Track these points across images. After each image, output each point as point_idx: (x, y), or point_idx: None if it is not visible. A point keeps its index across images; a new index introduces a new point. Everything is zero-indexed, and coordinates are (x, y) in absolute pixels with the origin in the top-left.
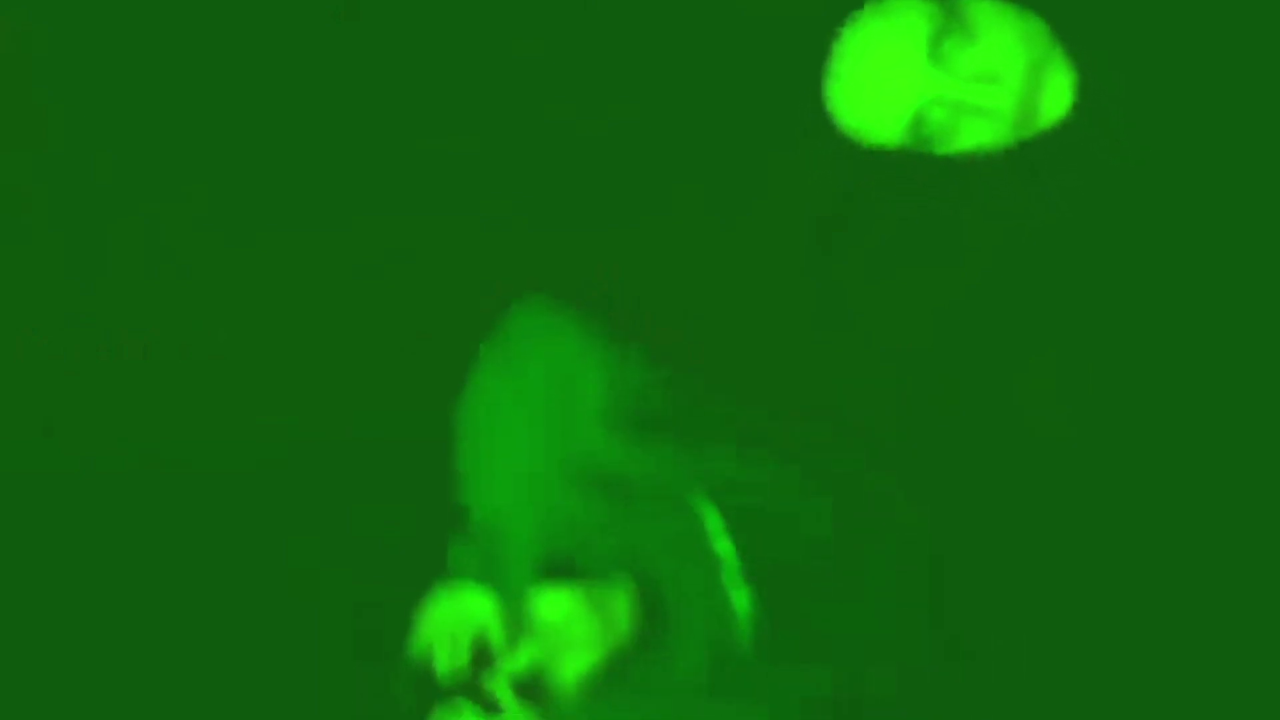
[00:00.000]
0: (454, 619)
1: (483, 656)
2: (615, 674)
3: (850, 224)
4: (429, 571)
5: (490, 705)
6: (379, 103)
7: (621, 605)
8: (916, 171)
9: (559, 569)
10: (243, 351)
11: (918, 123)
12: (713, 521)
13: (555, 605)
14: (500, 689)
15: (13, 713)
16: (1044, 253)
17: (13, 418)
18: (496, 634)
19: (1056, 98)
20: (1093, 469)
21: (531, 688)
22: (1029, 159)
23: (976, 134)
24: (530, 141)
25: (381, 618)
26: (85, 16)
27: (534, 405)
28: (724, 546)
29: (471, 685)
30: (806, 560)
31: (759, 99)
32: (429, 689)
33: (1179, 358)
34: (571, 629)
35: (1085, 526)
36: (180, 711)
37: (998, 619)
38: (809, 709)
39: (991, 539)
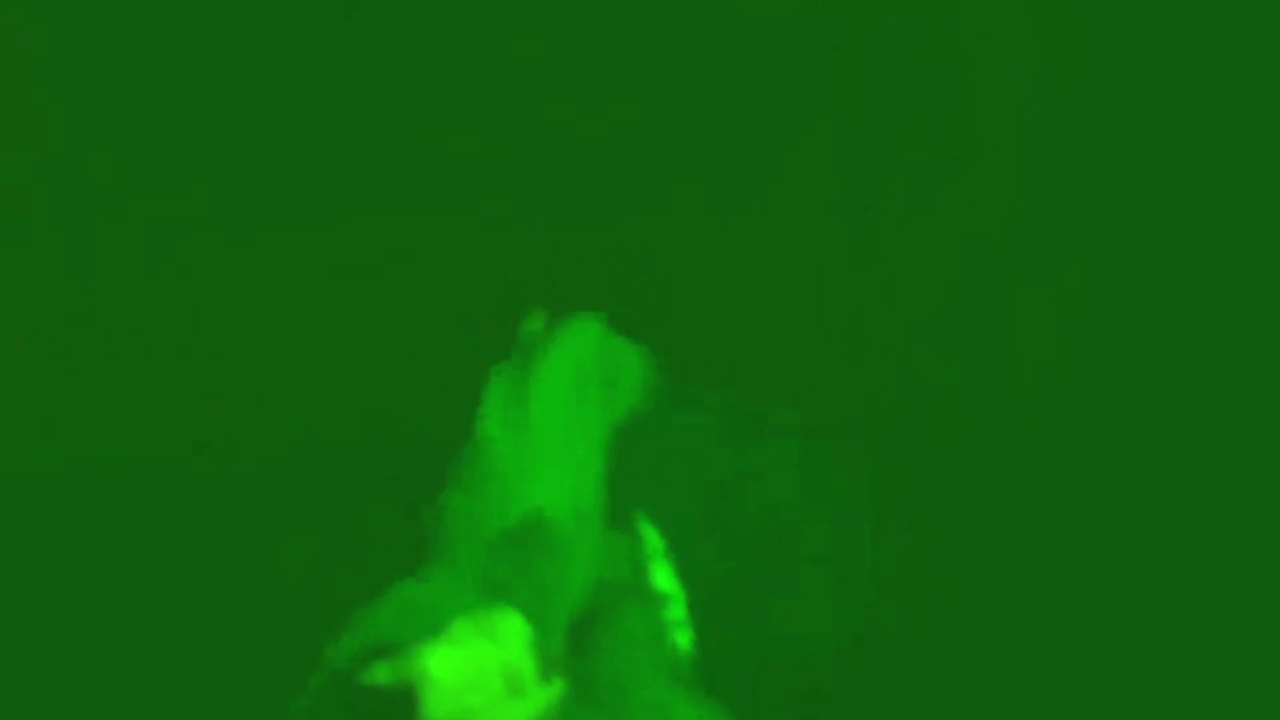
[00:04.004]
0: (394, 633)
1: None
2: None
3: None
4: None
5: None
6: (381, 102)
7: (524, 659)
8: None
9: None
10: (243, 350)
11: None
12: (655, 552)
13: (449, 667)
14: None
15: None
16: (1009, 258)
17: (13, 418)
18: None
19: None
20: (1041, 458)
21: None
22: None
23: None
24: (531, 141)
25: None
26: (85, 16)
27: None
28: (667, 581)
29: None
30: (751, 528)
31: (758, 100)
32: (340, 694)
33: (1131, 343)
34: (469, 693)
35: (1030, 503)
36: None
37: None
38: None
39: (941, 516)
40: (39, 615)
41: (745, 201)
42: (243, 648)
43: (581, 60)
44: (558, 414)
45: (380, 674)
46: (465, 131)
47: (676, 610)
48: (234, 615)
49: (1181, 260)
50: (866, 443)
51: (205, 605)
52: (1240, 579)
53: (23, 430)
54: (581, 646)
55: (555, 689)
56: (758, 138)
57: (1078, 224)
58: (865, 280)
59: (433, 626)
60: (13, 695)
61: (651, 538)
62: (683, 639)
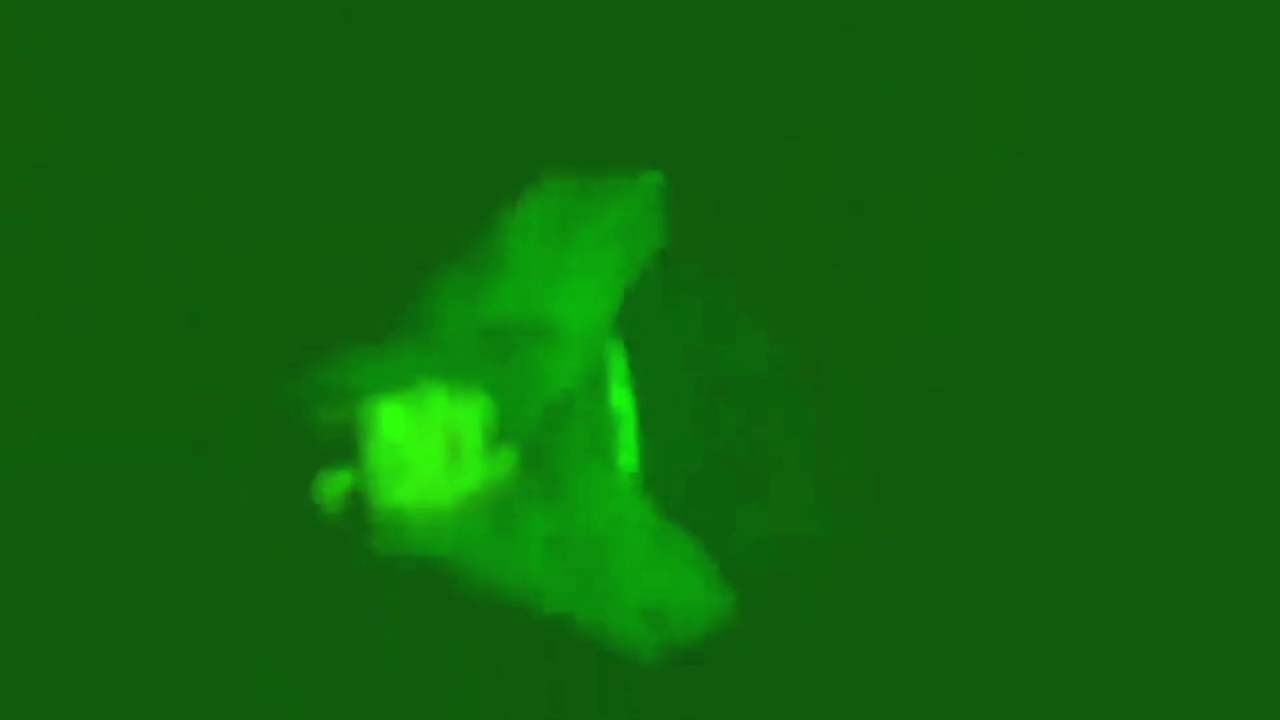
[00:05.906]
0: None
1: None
2: (494, 518)
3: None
4: None
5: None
6: (382, 102)
7: (473, 434)
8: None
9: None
10: (242, 350)
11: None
12: (618, 371)
13: (395, 423)
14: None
15: None
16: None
17: (13, 418)
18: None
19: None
20: (1040, 457)
21: (356, 506)
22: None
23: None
24: (530, 140)
25: None
26: (85, 16)
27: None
28: (624, 401)
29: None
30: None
31: (756, 97)
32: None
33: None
34: (409, 451)
35: (1030, 502)
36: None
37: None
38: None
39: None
40: (39, 615)
41: (745, 201)
42: (241, 650)
43: (580, 59)
44: (587, 238)
45: (327, 415)
46: (464, 131)
47: (627, 432)
48: (233, 616)
49: (1183, 260)
50: (865, 443)
51: (204, 605)
52: (1240, 578)
53: (23, 430)
54: (534, 445)
55: (500, 468)
56: (758, 137)
57: (1078, 224)
58: (865, 280)
59: (393, 385)
60: (13, 695)
61: (619, 362)
62: (629, 460)
